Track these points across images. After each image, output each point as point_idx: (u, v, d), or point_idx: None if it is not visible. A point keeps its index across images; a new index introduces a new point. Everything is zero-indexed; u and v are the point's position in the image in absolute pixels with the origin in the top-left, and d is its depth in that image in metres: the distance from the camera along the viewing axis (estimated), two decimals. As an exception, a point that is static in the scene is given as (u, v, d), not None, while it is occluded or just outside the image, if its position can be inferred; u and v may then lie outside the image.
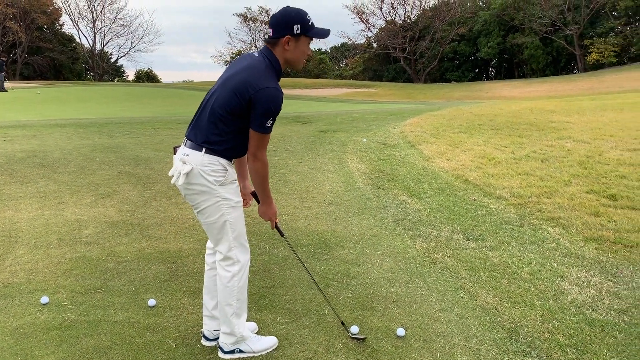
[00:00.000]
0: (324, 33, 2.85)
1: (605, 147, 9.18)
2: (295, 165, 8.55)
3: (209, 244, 3.10)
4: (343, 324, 3.29)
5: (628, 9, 51.73)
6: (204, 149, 2.77)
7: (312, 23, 2.80)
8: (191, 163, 2.77)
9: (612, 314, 3.48)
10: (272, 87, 2.71)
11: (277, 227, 3.11)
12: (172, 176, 2.86)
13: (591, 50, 52.37)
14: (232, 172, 2.87)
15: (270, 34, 2.79)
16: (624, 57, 53.94)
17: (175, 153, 2.91)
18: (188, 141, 2.85)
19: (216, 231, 2.88)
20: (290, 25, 2.74)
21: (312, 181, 7.49)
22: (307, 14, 2.79)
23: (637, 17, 53.44)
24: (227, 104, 2.72)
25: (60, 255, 4.62)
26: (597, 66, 52.59)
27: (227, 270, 2.90)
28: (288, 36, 2.75)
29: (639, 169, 7.46)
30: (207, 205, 2.82)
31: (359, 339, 3.19)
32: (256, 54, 2.87)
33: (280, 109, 2.76)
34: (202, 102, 2.91)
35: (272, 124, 2.75)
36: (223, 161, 2.80)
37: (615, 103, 17.35)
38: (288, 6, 2.82)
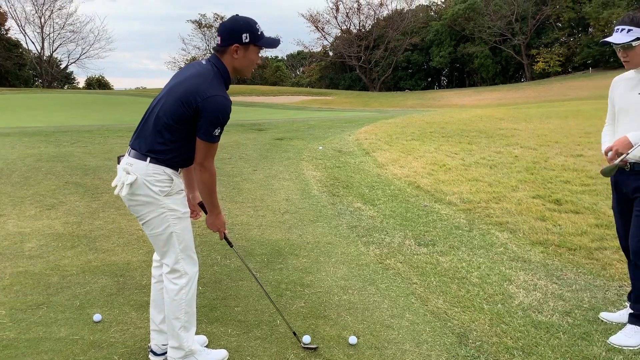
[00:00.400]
0: (273, 43, 2.83)
1: (550, 153, 9.52)
2: (250, 174, 8.48)
3: (155, 256, 3.02)
4: (295, 334, 3.26)
5: (571, 20, 54.14)
6: (148, 159, 2.69)
7: (261, 32, 2.77)
8: (135, 173, 2.69)
9: (556, 316, 3.59)
10: (220, 95, 2.66)
11: (226, 238, 3.06)
12: (116, 186, 2.78)
13: (538, 59, 54.45)
14: (178, 182, 2.80)
15: (219, 42, 2.76)
16: (568, 67, 56.32)
17: (119, 163, 2.82)
18: (132, 150, 2.76)
19: (162, 243, 2.80)
20: (239, 34, 2.71)
21: (267, 189, 7.44)
22: (256, 23, 2.76)
23: (580, 28, 55.92)
24: (173, 112, 2.66)
25: None
26: (544, 75, 54.70)
27: (174, 283, 2.83)
28: (236, 45, 2.71)
29: (581, 174, 7.76)
30: (153, 217, 2.74)
31: (311, 348, 3.17)
32: (204, 62, 2.82)
33: (229, 118, 2.71)
34: (147, 110, 2.83)
35: (220, 133, 2.70)
36: (169, 171, 2.73)
37: (560, 111, 18.06)
38: (237, 15, 2.79)
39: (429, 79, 70.79)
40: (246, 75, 2.91)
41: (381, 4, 67.61)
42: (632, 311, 3.33)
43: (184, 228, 2.82)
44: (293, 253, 4.88)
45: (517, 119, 15.35)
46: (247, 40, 2.71)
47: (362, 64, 66.33)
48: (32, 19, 69.70)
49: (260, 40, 2.77)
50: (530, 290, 3.98)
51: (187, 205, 2.88)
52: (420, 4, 69.65)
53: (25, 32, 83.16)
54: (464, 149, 10.34)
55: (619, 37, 3.11)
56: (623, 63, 3.21)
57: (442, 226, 5.65)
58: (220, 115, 2.64)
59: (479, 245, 5.03)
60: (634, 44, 3.06)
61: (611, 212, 5.76)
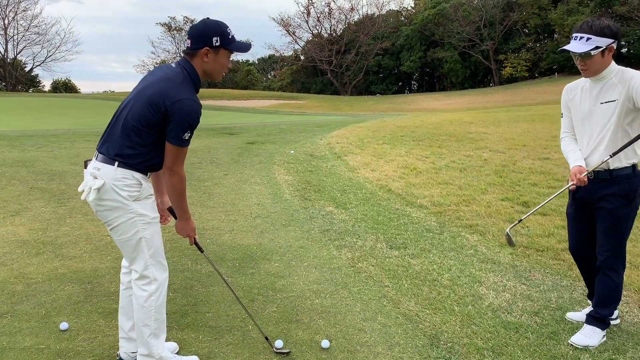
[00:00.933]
0: (244, 47, 2.81)
1: (518, 157, 9.70)
2: (221, 178, 8.41)
3: (124, 262, 2.96)
4: (267, 339, 3.24)
5: (537, 26, 55.44)
6: (116, 163, 2.64)
7: (232, 36, 2.75)
8: (103, 177, 2.64)
9: (525, 316, 3.65)
10: (190, 98, 2.63)
11: (196, 243, 3.02)
12: (83, 191, 2.71)
13: (505, 64, 55.56)
14: (147, 187, 2.76)
15: (189, 45, 2.72)
16: (534, 72, 57.61)
17: (86, 167, 2.76)
18: (100, 155, 2.70)
19: (131, 249, 2.75)
20: (209, 37, 2.68)
21: (239, 194, 7.38)
22: (227, 27, 2.74)
23: (546, 34, 57.29)
24: (141, 116, 2.61)
25: (-39, 279, 4.26)
26: (511, 80, 55.87)
27: (143, 289, 2.78)
28: (207, 48, 2.69)
29: (548, 176, 7.94)
30: (121, 222, 2.69)
31: (283, 353, 3.15)
32: (173, 65, 2.78)
33: (198, 122, 2.68)
34: (114, 114, 2.78)
35: (190, 136, 2.67)
36: (137, 175, 2.69)
37: (528, 114, 18.45)
38: (208, 18, 2.77)
39: (400, 83, 71.52)
40: (216, 79, 2.88)
41: (352, 9, 68.25)
42: (592, 313, 3.39)
43: (153, 233, 2.78)
44: (265, 257, 4.85)
45: (486, 122, 15.62)
46: (217, 44, 2.69)
47: (333, 68, 66.63)
48: (-5, 21, 67.88)
49: (231, 45, 2.74)
50: (500, 292, 4.04)
51: (156, 210, 2.83)
52: (390, 9, 70.42)
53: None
54: (435, 153, 10.47)
55: (577, 45, 3.09)
56: (581, 71, 3.20)
57: (414, 229, 5.70)
58: (189, 119, 2.61)
59: (449, 248, 5.09)
60: (592, 52, 3.05)
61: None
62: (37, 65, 68.68)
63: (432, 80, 69.33)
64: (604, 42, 3.05)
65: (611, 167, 3.18)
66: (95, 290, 4.08)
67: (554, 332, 3.42)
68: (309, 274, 4.46)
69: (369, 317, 3.66)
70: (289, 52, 73.75)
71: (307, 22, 68.51)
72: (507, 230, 3.59)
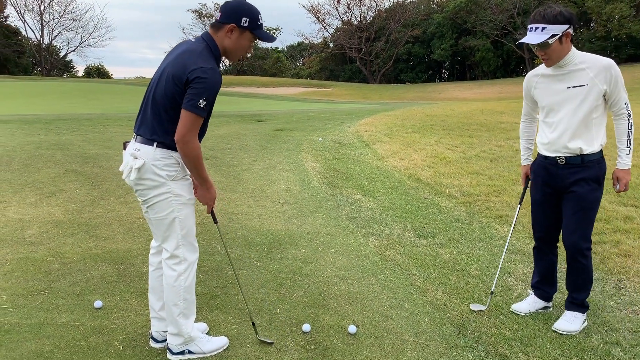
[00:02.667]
0: (268, 37, 2.81)
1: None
2: (250, 164, 8.48)
3: (153, 243, 3.02)
4: (253, 324, 3.22)
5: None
6: (155, 143, 2.69)
7: (261, 23, 2.76)
8: (143, 158, 2.69)
9: (554, 308, 3.61)
10: (209, 67, 2.61)
11: (212, 213, 3.02)
12: (123, 172, 2.78)
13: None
14: (185, 167, 2.80)
15: (218, 17, 2.73)
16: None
17: (125, 148, 2.82)
18: (138, 137, 2.76)
19: (164, 227, 2.81)
20: (239, 16, 2.69)
21: (267, 180, 7.44)
22: (259, 14, 2.75)
23: (582, 23, 55.71)
24: (166, 92, 2.64)
25: (0, 256, 4.41)
26: (545, 69, 54.40)
27: (172, 269, 2.84)
28: (234, 25, 2.69)
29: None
30: (158, 200, 2.75)
31: (268, 342, 3.13)
32: (193, 40, 2.81)
33: (217, 91, 2.64)
34: (144, 96, 2.82)
35: (206, 105, 2.60)
36: (176, 154, 2.72)
37: (561, 105, 18.00)
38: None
39: (430, 72, 70.54)
40: (232, 59, 2.86)
41: (383, -4, 67.35)
42: (570, 299, 3.42)
43: (187, 214, 2.83)
44: (293, 243, 4.89)
45: (518, 113, 15.29)
46: (245, 25, 2.70)
47: (362, 56, 66.08)
48: (31, 7, 69.43)
49: (257, 30, 2.75)
50: (529, 283, 3.99)
51: (192, 192, 2.87)
52: (422, -4, 69.31)
53: (24, 20, 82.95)
54: (465, 142, 10.34)
55: (534, 36, 3.08)
56: (543, 62, 3.20)
57: (442, 219, 5.67)
58: (207, 86, 2.58)
59: (478, 238, 5.05)
60: (550, 41, 3.03)
61: (610, 207, 5.80)
62: (71, 51, 70.02)
63: (463, 69, 68.18)
64: (559, 29, 3.04)
65: (585, 152, 3.19)
66: (128, 271, 4.19)
67: (585, 325, 3.38)
68: (336, 260, 4.49)
69: (396, 304, 3.67)
70: (318, 40, 73.38)
71: (337, 9, 67.93)
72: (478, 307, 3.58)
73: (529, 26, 3.14)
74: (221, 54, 2.78)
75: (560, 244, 3.54)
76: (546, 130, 3.35)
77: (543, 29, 3.04)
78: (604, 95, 3.14)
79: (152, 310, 3.08)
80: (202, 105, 2.58)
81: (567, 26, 3.05)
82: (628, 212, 5.62)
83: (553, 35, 3.03)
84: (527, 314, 3.53)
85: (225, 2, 2.77)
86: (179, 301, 2.86)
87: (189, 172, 2.84)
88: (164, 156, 2.70)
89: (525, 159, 3.70)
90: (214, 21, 2.77)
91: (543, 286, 3.60)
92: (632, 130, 3.21)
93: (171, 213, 2.77)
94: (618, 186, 3.30)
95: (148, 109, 2.74)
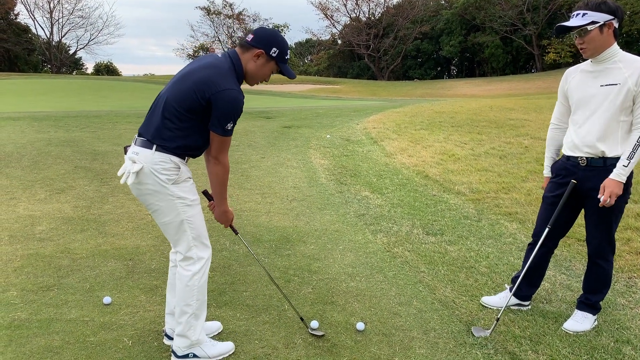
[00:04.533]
0: (290, 74, 2.87)
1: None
2: (258, 161, 8.48)
3: None
4: (302, 319, 3.28)
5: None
6: (154, 146, 2.68)
7: (287, 58, 2.82)
8: (141, 162, 2.69)
9: (564, 306, 3.59)
10: (234, 89, 2.66)
11: (231, 226, 3.07)
12: (122, 175, 2.78)
13: (549, 50, 53.85)
14: (185, 170, 2.78)
15: (250, 39, 2.75)
16: (579, 58, 55.64)
17: (125, 153, 2.83)
18: (138, 139, 2.76)
19: (173, 231, 2.81)
20: (271, 45, 2.74)
21: (275, 177, 7.44)
22: (289, 48, 2.82)
23: (592, 19, 55.15)
24: (184, 100, 2.65)
25: (11, 252, 4.45)
26: (555, 66, 54.17)
27: (187, 269, 2.83)
28: (263, 51, 2.73)
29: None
30: (162, 205, 2.74)
31: (318, 335, 3.17)
32: (220, 55, 2.82)
33: (241, 112, 2.72)
34: (157, 97, 2.82)
35: (233, 126, 2.70)
36: (175, 159, 2.72)
37: (571, 102, 17.86)
38: (279, 31, 2.86)
39: (439, 68, 70.21)
40: (250, 83, 2.90)
41: (391, -8, 67.03)
42: (583, 299, 3.37)
43: (195, 215, 2.82)
44: (301, 240, 4.89)
45: (528, 109, 15.23)
46: (273, 55, 2.76)
47: (370, 53, 65.92)
48: (41, 4, 69.59)
49: (282, 63, 2.81)
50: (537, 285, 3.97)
51: (196, 193, 2.87)
52: (430, -7, 68.96)
53: (34, 18, 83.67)
54: (474, 139, 10.28)
55: (573, 21, 2.99)
56: (580, 51, 3.08)
57: (451, 216, 5.64)
58: (232, 110, 2.65)
59: (487, 235, 5.02)
60: (589, 27, 2.94)
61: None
62: (80, 48, 70.36)
63: (472, 65, 67.79)
64: (600, 17, 2.95)
65: (608, 155, 3.06)
66: (137, 267, 4.21)
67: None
68: (345, 257, 4.48)
69: (404, 301, 3.66)
70: (326, 36, 73.32)
71: (345, 5, 68.04)
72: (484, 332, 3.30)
73: (572, 13, 3.04)
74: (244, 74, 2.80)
75: (557, 248, 3.49)
76: (571, 128, 3.24)
77: (584, 14, 2.96)
78: (634, 98, 2.98)
79: (168, 306, 3.07)
80: (229, 128, 2.68)
81: (611, 17, 2.95)
82: (639, 209, 5.57)
83: (593, 22, 2.93)
84: (494, 308, 3.51)
85: (261, 28, 2.86)
86: (192, 301, 2.85)
87: (189, 174, 2.84)
88: (162, 160, 2.69)
89: (548, 169, 3.47)
90: (244, 41, 2.79)
91: (522, 284, 3.48)
92: None
93: (177, 216, 2.76)
94: (602, 197, 3.01)
95: (158, 110, 2.75)
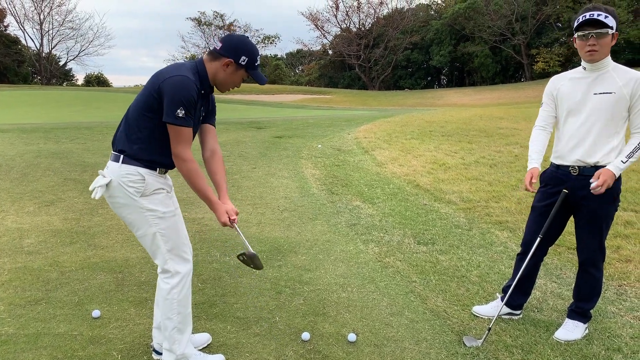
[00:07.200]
0: (261, 79, 2.83)
1: (549, 153, 9.48)
2: (249, 171, 8.47)
3: None
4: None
5: (571, 20, 53.94)
6: (121, 158, 2.66)
7: (258, 64, 2.79)
8: (110, 175, 2.67)
9: (555, 315, 3.59)
10: (184, 75, 2.59)
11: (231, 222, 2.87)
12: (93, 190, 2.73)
13: (537, 59, 54.40)
14: (153, 182, 2.71)
15: (218, 48, 2.72)
16: (568, 67, 56.21)
17: None
18: (111, 153, 2.77)
19: (148, 244, 2.77)
20: (239, 54, 2.70)
21: (266, 187, 7.43)
22: (258, 55, 2.78)
23: (579, 29, 55.71)
24: (144, 101, 2.63)
25: (-2, 266, 4.39)
26: (544, 75, 54.66)
27: (165, 282, 2.80)
28: (231, 60, 2.70)
29: (581, 173, 7.75)
30: (133, 218, 2.71)
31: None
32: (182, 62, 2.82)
33: (193, 98, 2.59)
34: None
35: (185, 115, 2.57)
36: (142, 171, 2.67)
37: (560, 110, 18.02)
38: (248, 37, 2.80)
39: (429, 78, 70.70)
40: (221, 90, 2.86)
41: (381, 3, 67.54)
42: (574, 307, 3.38)
43: (168, 227, 2.76)
44: (292, 250, 4.87)
45: (517, 118, 15.35)
46: (242, 63, 2.71)
47: (361, 63, 66.31)
48: (31, 16, 69.76)
49: (252, 70, 2.77)
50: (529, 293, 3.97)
51: (169, 205, 2.78)
52: (420, 3, 69.58)
53: (24, 29, 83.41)
54: (464, 148, 10.33)
55: (601, 15, 2.93)
56: (589, 54, 3.00)
57: (442, 225, 5.65)
58: (180, 94, 2.54)
59: (478, 244, 5.03)
60: (609, 31, 2.93)
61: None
62: (70, 60, 70.31)
63: (461, 75, 68.33)
64: (615, 24, 2.96)
65: (600, 164, 3.06)
66: (126, 280, 4.17)
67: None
68: (336, 267, 4.47)
69: (396, 312, 3.64)
70: (317, 47, 73.73)
71: (335, 16, 68.34)
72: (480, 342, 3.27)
73: (589, 13, 2.96)
74: (211, 83, 2.78)
75: (548, 257, 3.49)
76: (562, 136, 3.23)
77: (606, 16, 2.93)
78: (628, 108, 3.00)
79: (155, 321, 3.03)
80: (180, 115, 2.56)
81: (617, 27, 2.99)
82: (628, 217, 5.61)
83: (612, 27, 2.94)
84: (485, 318, 3.50)
85: (229, 36, 2.78)
86: (172, 314, 2.81)
87: (160, 186, 2.76)
88: (129, 172, 2.65)
89: (534, 161, 3.38)
90: (213, 50, 2.75)
91: (514, 293, 3.46)
92: None
93: (149, 228, 2.72)
94: (595, 182, 2.99)
95: (122, 122, 2.76)
